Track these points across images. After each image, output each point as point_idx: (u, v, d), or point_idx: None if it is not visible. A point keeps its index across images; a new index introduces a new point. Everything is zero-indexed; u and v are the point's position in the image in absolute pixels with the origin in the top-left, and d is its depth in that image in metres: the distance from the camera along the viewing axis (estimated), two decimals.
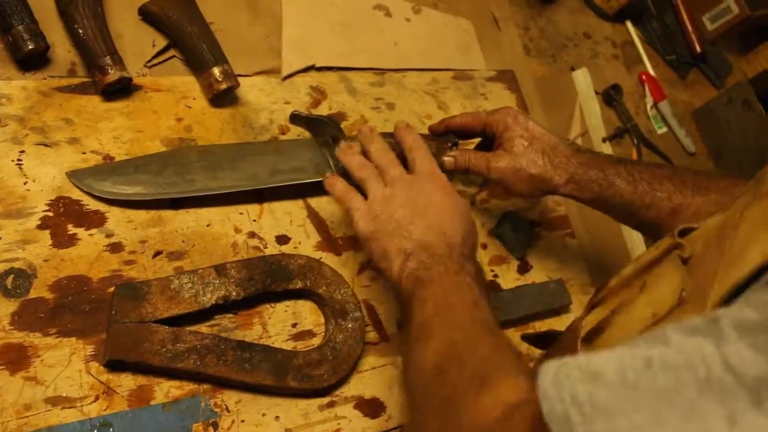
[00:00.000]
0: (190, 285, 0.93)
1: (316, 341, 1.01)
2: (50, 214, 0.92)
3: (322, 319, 1.03)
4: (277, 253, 1.03)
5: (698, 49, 1.72)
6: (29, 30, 0.95)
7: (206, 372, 0.90)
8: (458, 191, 1.00)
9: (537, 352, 1.16)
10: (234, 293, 0.95)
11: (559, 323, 1.24)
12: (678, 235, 0.72)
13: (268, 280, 0.98)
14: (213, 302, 0.93)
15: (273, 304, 1.01)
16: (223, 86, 1.06)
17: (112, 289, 0.90)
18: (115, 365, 0.88)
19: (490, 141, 1.14)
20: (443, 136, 1.17)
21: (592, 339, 0.77)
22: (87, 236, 0.93)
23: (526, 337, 1.15)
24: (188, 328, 0.92)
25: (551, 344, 1.08)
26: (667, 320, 0.66)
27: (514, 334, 1.18)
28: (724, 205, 0.76)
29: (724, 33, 1.75)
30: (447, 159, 1.12)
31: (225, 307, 0.96)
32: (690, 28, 1.72)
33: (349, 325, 1.01)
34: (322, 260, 1.05)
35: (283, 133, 1.13)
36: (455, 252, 0.91)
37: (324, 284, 1.02)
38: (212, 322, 0.95)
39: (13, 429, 0.80)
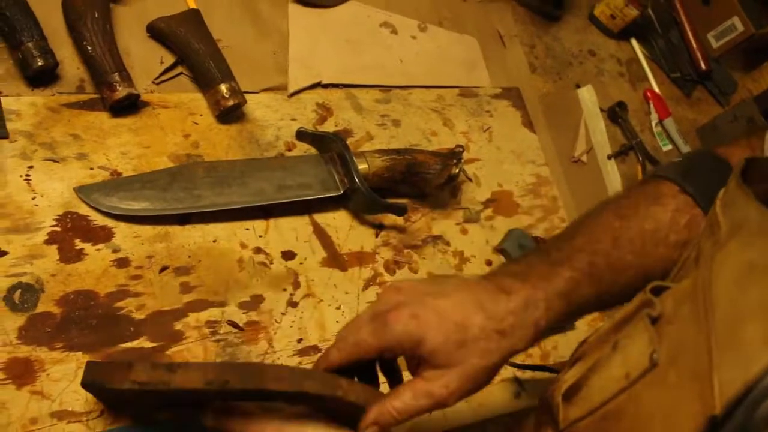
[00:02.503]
0: None
1: None
2: (58, 229, 0.92)
3: (328, 335, 1.03)
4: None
5: (703, 66, 1.72)
6: (39, 47, 0.96)
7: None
8: (463, 209, 0.95)
9: (527, 373, 1.16)
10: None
11: (563, 340, 1.24)
12: (651, 292, 0.70)
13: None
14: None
15: (279, 320, 1.01)
16: (230, 103, 1.07)
17: (119, 304, 0.90)
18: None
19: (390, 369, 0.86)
20: (449, 154, 1.18)
21: (571, 396, 0.76)
22: (94, 251, 0.93)
23: (515, 365, 1.14)
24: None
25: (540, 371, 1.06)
26: (642, 383, 0.66)
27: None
28: (692, 245, 0.74)
29: (729, 51, 1.75)
30: (372, 429, 0.77)
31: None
32: (695, 46, 1.73)
33: None
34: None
35: (290, 150, 1.14)
36: None
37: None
38: (218, 337, 0.96)
39: None
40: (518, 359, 1.15)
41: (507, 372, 1.16)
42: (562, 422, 0.75)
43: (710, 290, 0.61)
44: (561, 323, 0.83)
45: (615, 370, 0.69)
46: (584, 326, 1.27)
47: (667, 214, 0.87)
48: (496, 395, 1.13)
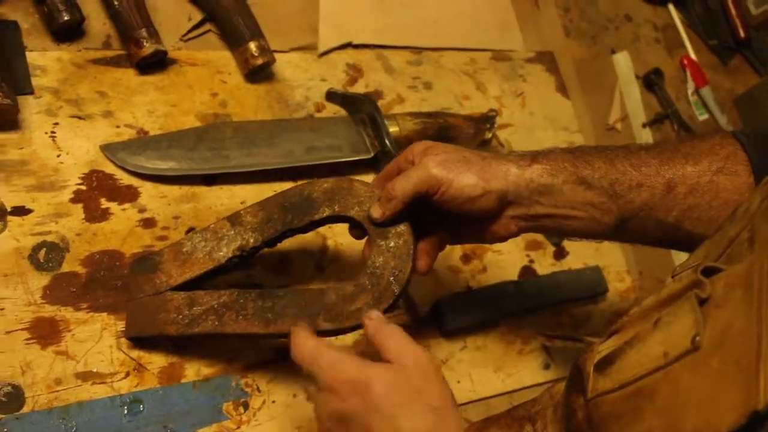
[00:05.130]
0: (203, 243, 0.86)
1: None
2: (83, 187, 0.91)
3: None
4: (300, 183, 0.92)
5: (742, 34, 1.67)
6: (65, 1, 0.94)
7: (225, 331, 0.83)
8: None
9: (557, 343, 1.15)
10: (251, 240, 0.86)
11: (596, 310, 1.22)
12: (702, 273, 0.68)
13: (289, 217, 0.86)
14: (229, 255, 0.86)
15: (307, 283, 0.99)
16: (259, 62, 1.04)
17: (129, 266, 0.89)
18: (142, 342, 0.87)
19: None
20: (481, 118, 1.15)
21: (604, 368, 0.75)
22: (120, 211, 0.92)
23: (546, 335, 1.13)
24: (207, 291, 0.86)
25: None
26: (681, 364, 0.64)
27: (547, 323, 1.16)
28: (737, 220, 0.72)
29: None
30: (373, 209, 0.84)
31: (245, 258, 0.87)
32: (734, 13, 1.68)
33: (391, 244, 0.84)
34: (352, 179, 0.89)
35: (319, 111, 1.12)
36: None
37: (356, 204, 0.86)
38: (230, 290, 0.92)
39: (43, 403, 0.79)
40: (549, 322, 1.14)
41: (536, 343, 1.14)
42: (591, 392, 0.74)
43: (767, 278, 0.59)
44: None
45: (654, 347, 0.68)
46: (616, 297, 1.25)
47: (707, 144, 0.87)
48: (524, 366, 1.12)
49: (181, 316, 0.84)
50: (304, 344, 0.76)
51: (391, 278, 0.83)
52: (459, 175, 0.82)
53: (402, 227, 0.84)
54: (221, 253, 0.86)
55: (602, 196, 0.86)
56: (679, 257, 1.25)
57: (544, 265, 1.21)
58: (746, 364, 0.56)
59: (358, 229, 0.87)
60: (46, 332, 0.82)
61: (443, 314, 1.06)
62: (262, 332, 0.83)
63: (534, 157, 0.86)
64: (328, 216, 0.87)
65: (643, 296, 0.81)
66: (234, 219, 0.87)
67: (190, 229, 0.95)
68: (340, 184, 0.87)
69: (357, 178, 0.89)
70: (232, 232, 0.87)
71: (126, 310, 0.86)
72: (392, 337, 0.75)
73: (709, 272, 0.67)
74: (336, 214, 0.87)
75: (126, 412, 0.84)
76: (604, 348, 0.76)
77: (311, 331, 0.78)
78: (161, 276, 0.86)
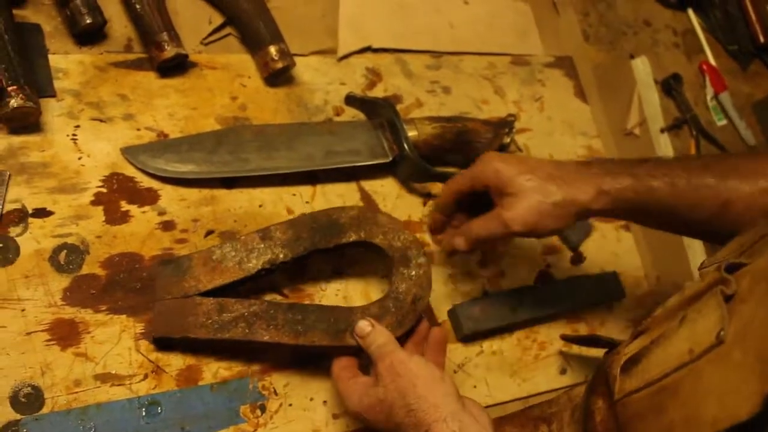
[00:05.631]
0: (233, 253, 0.89)
1: None
2: (104, 190, 0.91)
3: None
4: (326, 208, 0.98)
5: (761, 39, 1.66)
6: (87, 4, 0.94)
7: (256, 339, 0.86)
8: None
9: (574, 348, 1.15)
10: (281, 255, 0.91)
11: (612, 315, 1.22)
12: (725, 270, 0.69)
13: (317, 237, 0.93)
14: (259, 267, 0.89)
15: (324, 288, 0.99)
16: (279, 65, 1.05)
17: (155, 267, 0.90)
18: (163, 343, 0.87)
19: (483, 201, 0.98)
20: (500, 122, 1.15)
21: (630, 368, 0.75)
22: (140, 213, 0.92)
23: (565, 337, 1.13)
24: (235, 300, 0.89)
25: (592, 345, 1.06)
26: (705, 359, 0.64)
27: (563, 328, 1.16)
28: None
29: None
30: (456, 241, 0.99)
31: (272, 272, 0.91)
32: (754, 18, 1.67)
33: (413, 273, 0.94)
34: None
35: (338, 114, 1.12)
36: None
37: (380, 233, 0.95)
38: (260, 300, 0.94)
39: (62, 404, 0.80)
40: (565, 328, 1.14)
41: (553, 348, 1.14)
42: (618, 393, 0.75)
43: None
44: (624, 209, 0.93)
45: (679, 344, 0.68)
46: (633, 303, 1.25)
47: (765, 161, 0.89)
48: (540, 372, 1.12)
49: (210, 321, 0.86)
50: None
51: (413, 304, 0.93)
52: (542, 221, 0.92)
53: (422, 259, 0.95)
54: (251, 265, 0.90)
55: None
56: (696, 261, 1.25)
57: (561, 269, 1.21)
58: (765, 354, 0.56)
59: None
60: (65, 334, 0.83)
61: (460, 319, 1.06)
62: (291, 343, 0.87)
63: (600, 185, 0.92)
64: (354, 241, 0.94)
65: (662, 301, 0.81)
66: (264, 233, 0.91)
67: (209, 232, 0.95)
68: (365, 213, 0.96)
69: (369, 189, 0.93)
70: (262, 245, 0.90)
71: (153, 309, 0.87)
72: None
73: (733, 268, 0.68)
74: (362, 240, 0.94)
75: (144, 414, 0.84)
76: (630, 349, 0.77)
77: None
78: (190, 280, 0.88)
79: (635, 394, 0.72)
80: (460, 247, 0.98)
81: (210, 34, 1.07)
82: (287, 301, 0.94)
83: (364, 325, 0.88)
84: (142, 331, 0.87)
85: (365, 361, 0.89)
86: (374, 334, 0.87)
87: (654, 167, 0.92)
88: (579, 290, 1.19)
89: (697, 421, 0.61)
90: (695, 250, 1.26)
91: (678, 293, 0.78)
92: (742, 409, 0.56)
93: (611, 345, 0.92)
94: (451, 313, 1.08)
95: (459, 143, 1.13)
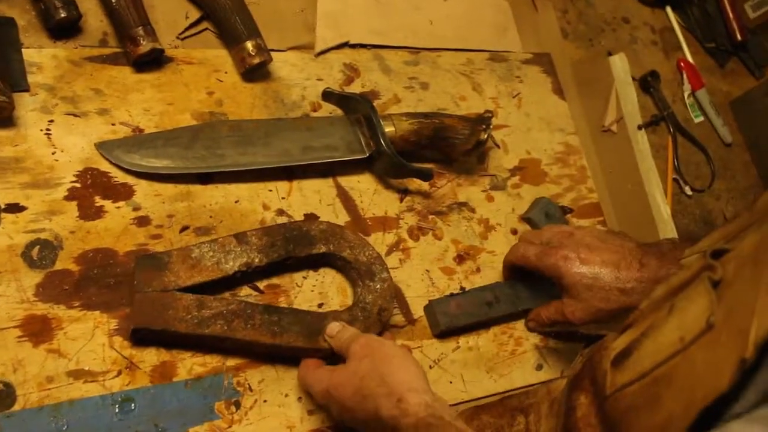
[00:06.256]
0: (211, 253, 0.91)
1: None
2: (78, 185, 0.91)
3: (349, 300, 1.01)
4: (298, 220, 1.02)
5: (739, 37, 1.67)
6: None
7: (234, 336, 0.88)
8: (489, 176, 0.96)
9: (550, 345, 1.16)
10: (257, 259, 0.93)
11: None
12: (711, 257, 0.69)
13: (291, 246, 0.97)
14: (236, 269, 0.92)
15: (300, 283, 0.99)
16: (256, 61, 1.04)
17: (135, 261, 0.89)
18: (140, 336, 0.87)
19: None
20: (477, 119, 1.15)
21: (621, 362, 0.75)
22: (114, 209, 0.92)
23: (536, 330, 1.14)
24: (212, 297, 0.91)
25: (568, 340, 1.07)
26: (696, 345, 0.64)
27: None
28: (756, 210, 0.73)
29: (766, 22, 1.70)
30: (530, 324, 1.11)
31: (248, 275, 0.94)
32: (731, 16, 1.68)
33: (377, 286, 0.99)
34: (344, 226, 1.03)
35: (315, 110, 1.12)
36: None
37: (348, 247, 1.00)
38: (238, 299, 0.94)
39: (34, 401, 0.80)
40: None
41: (529, 344, 1.14)
42: (609, 388, 0.75)
43: None
44: None
45: (670, 333, 0.69)
46: None
47: None
48: (517, 368, 1.12)
49: (190, 316, 0.87)
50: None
51: (378, 315, 0.98)
52: (600, 319, 1.01)
53: (385, 275, 1.01)
54: (228, 266, 0.92)
55: None
56: None
57: None
58: (744, 327, 0.57)
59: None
60: (38, 330, 0.83)
61: (436, 315, 1.06)
62: (268, 342, 0.90)
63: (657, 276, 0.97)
64: (324, 252, 0.99)
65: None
66: (241, 237, 0.94)
67: (185, 228, 0.95)
68: (334, 228, 1.01)
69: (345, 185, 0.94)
70: (239, 248, 0.93)
71: (133, 300, 0.86)
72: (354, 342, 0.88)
73: (718, 255, 0.68)
74: (331, 252, 0.99)
75: (117, 410, 0.84)
76: (619, 344, 0.78)
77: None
78: (170, 275, 0.88)
79: (628, 388, 0.72)
80: (533, 331, 1.13)
81: (186, 29, 1.06)
82: (263, 302, 0.95)
83: (334, 325, 0.93)
84: (116, 327, 0.87)
85: (336, 362, 0.91)
86: (344, 330, 0.92)
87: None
88: (555, 285, 1.18)
89: (692, 404, 0.61)
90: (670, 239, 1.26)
91: (663, 284, 0.79)
92: (724, 379, 0.56)
93: (588, 339, 0.92)
94: (427, 309, 1.08)
95: (436, 139, 1.13)
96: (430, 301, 1.08)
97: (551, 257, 1.03)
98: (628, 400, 0.72)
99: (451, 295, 1.11)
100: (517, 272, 1.13)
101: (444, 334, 1.08)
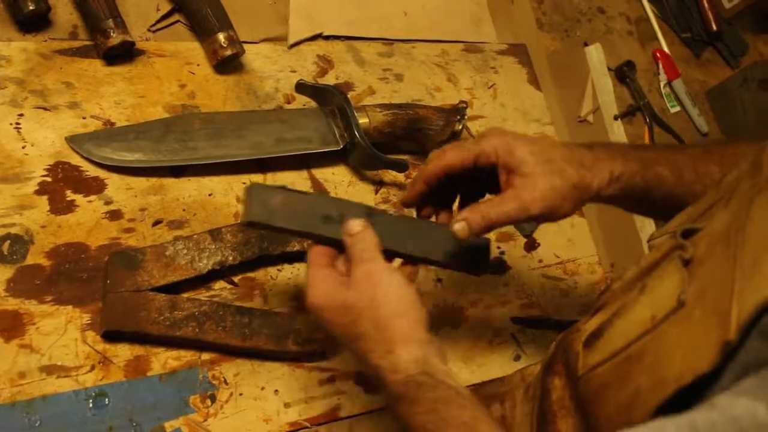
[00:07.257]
0: (185, 251, 0.91)
1: None
2: (48, 179, 0.90)
3: None
4: None
5: (714, 27, 1.68)
6: None
7: (205, 339, 0.89)
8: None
9: (528, 336, 1.16)
10: (230, 258, 0.93)
11: (566, 302, 1.22)
12: (681, 236, 0.69)
13: (265, 243, 0.96)
14: (209, 268, 0.92)
15: (274, 276, 0.99)
16: (228, 53, 1.04)
17: (107, 258, 0.88)
18: (112, 335, 0.86)
19: (484, 177, 0.89)
20: (452, 110, 1.15)
21: (593, 343, 0.75)
22: (86, 203, 0.91)
23: (517, 320, 1.13)
24: (186, 296, 0.91)
25: (544, 327, 1.07)
26: (668, 323, 0.64)
27: (516, 312, 1.16)
28: (723, 188, 0.73)
29: (741, 12, 1.71)
30: (458, 227, 0.81)
31: (222, 272, 0.94)
32: (706, 6, 1.68)
33: None
34: None
35: (289, 102, 1.11)
36: None
37: None
38: (212, 293, 0.94)
39: (6, 397, 0.79)
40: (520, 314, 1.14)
41: (507, 334, 1.14)
42: (581, 369, 0.76)
43: (744, 230, 0.60)
44: (630, 195, 0.86)
45: (641, 312, 0.69)
46: (587, 288, 1.25)
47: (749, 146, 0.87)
48: (494, 358, 1.12)
49: (162, 317, 0.87)
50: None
51: None
52: (563, 204, 0.83)
53: None
54: (201, 264, 0.92)
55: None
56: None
57: (515, 256, 1.21)
58: (722, 307, 0.57)
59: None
60: (9, 325, 0.82)
61: (252, 201, 0.79)
62: (239, 345, 0.90)
63: (612, 170, 0.85)
64: (298, 250, 0.98)
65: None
66: (215, 234, 0.93)
67: (158, 222, 0.94)
68: None
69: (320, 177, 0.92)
70: (213, 246, 0.93)
71: (105, 302, 0.86)
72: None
73: (688, 234, 0.68)
74: (305, 250, 0.97)
75: (91, 405, 0.83)
76: (591, 325, 0.78)
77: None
78: (143, 274, 0.88)
79: (600, 368, 0.73)
80: (470, 234, 0.82)
81: (158, 21, 1.06)
82: (236, 301, 0.95)
83: (355, 224, 0.80)
84: (89, 321, 0.86)
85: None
86: (362, 234, 0.80)
87: (659, 153, 0.88)
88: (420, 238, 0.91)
89: (663, 381, 0.61)
90: (648, 234, 1.26)
91: (635, 265, 0.79)
92: (704, 361, 0.57)
93: (562, 326, 0.92)
94: (248, 191, 0.80)
95: (411, 130, 1.13)
96: (252, 183, 0.96)
97: (491, 137, 0.85)
98: (599, 379, 0.72)
99: (284, 187, 0.82)
100: (430, 200, 0.90)
101: (253, 226, 0.81)
